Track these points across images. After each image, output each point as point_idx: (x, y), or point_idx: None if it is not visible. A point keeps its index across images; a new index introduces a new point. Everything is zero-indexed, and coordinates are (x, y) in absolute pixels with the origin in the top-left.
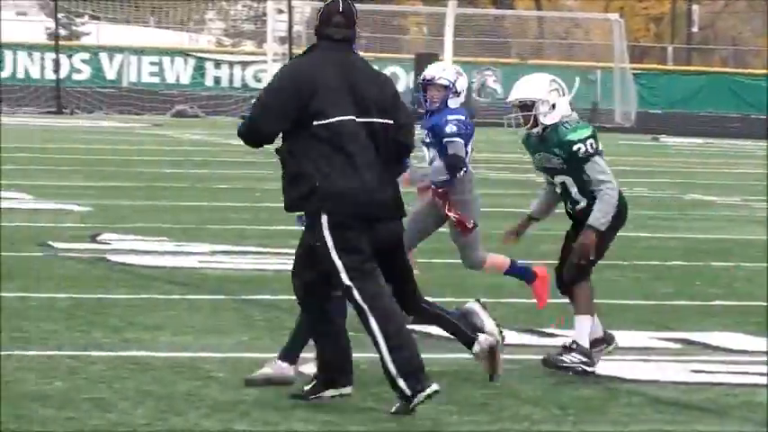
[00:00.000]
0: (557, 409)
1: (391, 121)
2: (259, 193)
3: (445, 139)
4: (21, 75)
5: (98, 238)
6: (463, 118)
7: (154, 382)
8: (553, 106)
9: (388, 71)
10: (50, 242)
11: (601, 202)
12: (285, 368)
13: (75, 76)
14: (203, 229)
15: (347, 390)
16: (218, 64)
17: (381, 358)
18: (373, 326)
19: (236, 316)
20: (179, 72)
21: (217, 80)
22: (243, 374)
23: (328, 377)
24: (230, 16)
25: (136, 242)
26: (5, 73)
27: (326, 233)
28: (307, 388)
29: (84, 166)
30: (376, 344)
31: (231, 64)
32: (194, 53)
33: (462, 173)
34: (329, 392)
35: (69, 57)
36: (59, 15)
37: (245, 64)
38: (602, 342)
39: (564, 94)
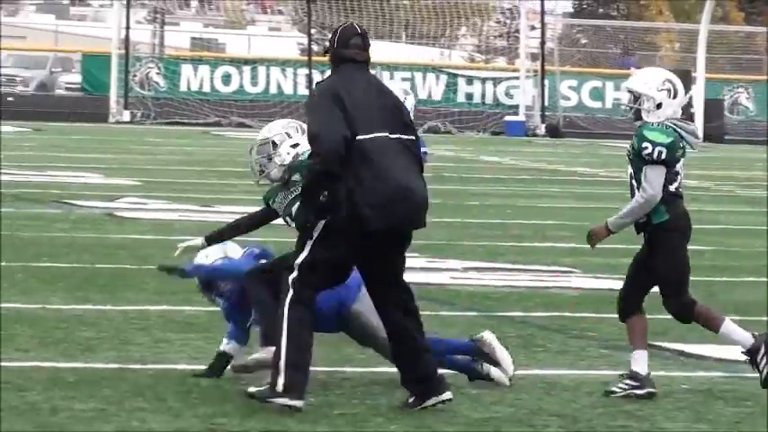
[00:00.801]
0: None
1: (414, 137)
2: (510, 210)
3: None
4: (273, 90)
5: None
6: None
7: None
8: (659, 105)
9: None
10: None
11: (629, 206)
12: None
13: None
14: (455, 245)
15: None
16: (469, 80)
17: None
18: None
19: None
20: (431, 88)
21: (469, 96)
22: (495, 391)
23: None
24: (483, 32)
25: None
26: (258, 88)
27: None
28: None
29: None
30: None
31: (483, 80)
32: (446, 69)
33: None
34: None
35: (322, 72)
36: (312, 31)
37: (496, 80)
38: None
39: (675, 97)
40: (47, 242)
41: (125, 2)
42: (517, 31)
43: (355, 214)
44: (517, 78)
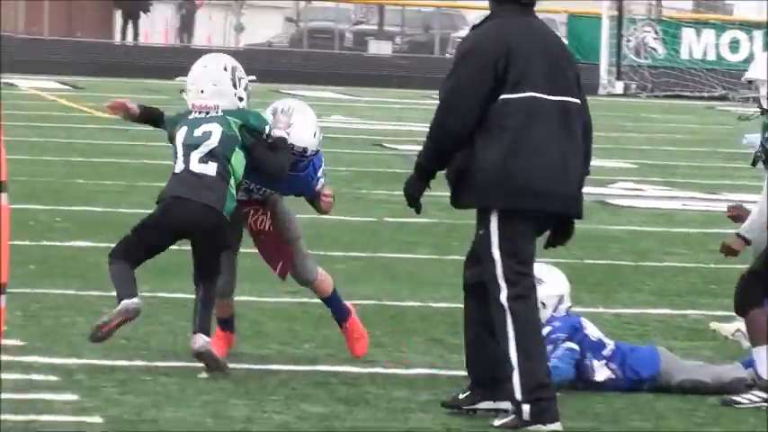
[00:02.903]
0: None
1: (579, 101)
2: None
3: None
4: None
5: None
6: None
7: None
8: None
9: None
10: None
11: (755, 210)
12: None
13: None
14: None
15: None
16: None
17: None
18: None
19: None
20: None
21: None
22: None
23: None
24: None
25: None
26: None
27: (494, 227)
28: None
29: None
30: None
31: None
32: None
33: None
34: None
35: None
36: None
37: None
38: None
39: None
40: None
41: None
42: None
43: (522, 188)
44: None
